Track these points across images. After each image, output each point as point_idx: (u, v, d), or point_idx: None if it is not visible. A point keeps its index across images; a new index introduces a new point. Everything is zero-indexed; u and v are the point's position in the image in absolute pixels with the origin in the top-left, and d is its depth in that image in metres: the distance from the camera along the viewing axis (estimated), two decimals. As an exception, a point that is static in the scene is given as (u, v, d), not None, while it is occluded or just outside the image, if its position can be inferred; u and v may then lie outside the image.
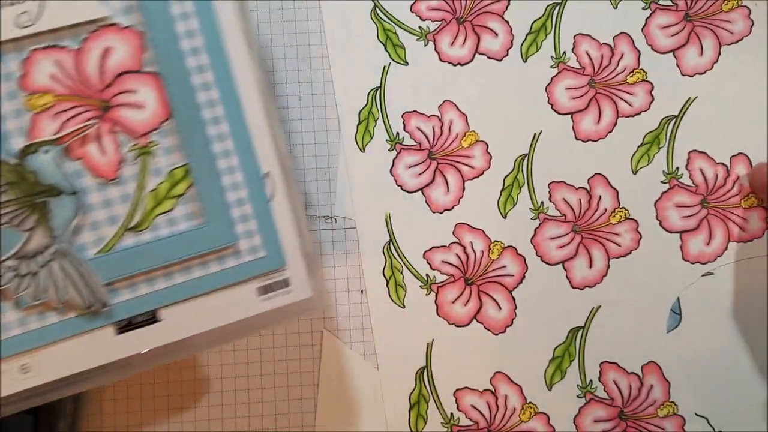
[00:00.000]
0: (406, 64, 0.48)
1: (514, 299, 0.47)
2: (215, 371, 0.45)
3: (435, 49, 0.48)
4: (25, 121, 0.32)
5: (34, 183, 0.32)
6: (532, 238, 0.47)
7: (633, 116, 0.48)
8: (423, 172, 0.48)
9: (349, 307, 0.47)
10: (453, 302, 0.47)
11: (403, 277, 0.47)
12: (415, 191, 0.48)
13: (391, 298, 0.47)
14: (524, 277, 0.47)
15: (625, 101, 0.48)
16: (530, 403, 0.47)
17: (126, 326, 0.34)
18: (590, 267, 0.47)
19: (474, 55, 0.48)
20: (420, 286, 0.47)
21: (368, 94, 0.48)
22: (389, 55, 0.48)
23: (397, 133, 0.48)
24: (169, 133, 0.34)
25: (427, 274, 0.47)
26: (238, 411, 0.45)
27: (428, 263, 0.47)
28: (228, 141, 0.35)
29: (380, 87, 0.48)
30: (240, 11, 0.35)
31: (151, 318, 0.34)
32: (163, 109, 0.34)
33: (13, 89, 0.32)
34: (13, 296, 0.33)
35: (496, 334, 0.47)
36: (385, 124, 0.48)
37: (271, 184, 0.35)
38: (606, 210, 0.48)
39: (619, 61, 0.48)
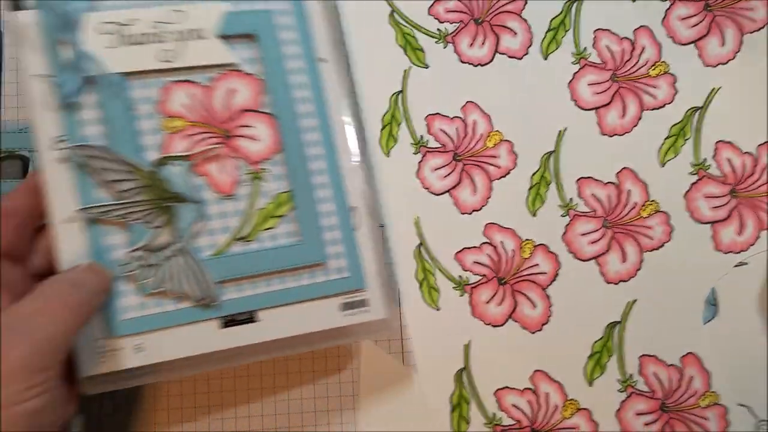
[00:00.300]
0: (427, 66, 0.48)
1: (548, 297, 0.47)
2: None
3: (455, 51, 0.48)
4: (160, 138, 0.38)
5: (164, 189, 0.37)
6: (563, 235, 0.47)
7: (657, 109, 0.48)
8: (449, 174, 0.48)
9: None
10: (487, 302, 0.47)
11: (436, 279, 0.47)
12: (443, 193, 0.48)
13: (425, 301, 0.47)
14: (557, 274, 0.47)
15: (649, 94, 0.48)
16: (572, 399, 0.46)
17: (230, 322, 0.38)
18: (623, 261, 0.47)
19: (494, 54, 0.49)
20: (453, 288, 0.47)
21: (390, 99, 0.48)
22: (409, 58, 0.48)
23: (421, 136, 0.48)
24: (278, 164, 0.40)
25: (459, 276, 0.47)
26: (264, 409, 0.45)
27: (460, 264, 0.47)
28: (325, 176, 0.40)
29: (402, 91, 0.48)
30: (345, 74, 0.43)
31: (250, 317, 0.39)
32: (275, 144, 0.40)
33: (151, 111, 0.38)
34: (137, 283, 0.37)
35: (533, 332, 0.47)
36: (408, 128, 0.48)
37: (357, 217, 0.41)
38: (636, 204, 0.48)
39: (640, 55, 0.48)
